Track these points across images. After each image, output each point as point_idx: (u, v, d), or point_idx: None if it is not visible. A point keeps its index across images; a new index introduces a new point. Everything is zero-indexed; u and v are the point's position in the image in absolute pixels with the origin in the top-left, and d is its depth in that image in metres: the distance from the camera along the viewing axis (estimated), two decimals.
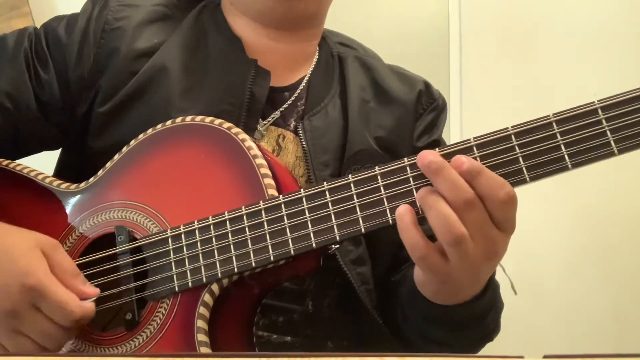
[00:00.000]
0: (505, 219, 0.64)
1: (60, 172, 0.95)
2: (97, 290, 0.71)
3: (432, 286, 0.71)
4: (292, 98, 0.91)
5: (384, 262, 0.89)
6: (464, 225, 0.62)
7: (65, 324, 0.68)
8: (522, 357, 0.42)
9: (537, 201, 1.92)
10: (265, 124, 0.88)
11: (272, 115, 0.89)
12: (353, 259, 0.85)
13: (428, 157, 0.63)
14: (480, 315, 0.76)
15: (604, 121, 0.61)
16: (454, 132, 2.06)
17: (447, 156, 0.64)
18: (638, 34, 2.01)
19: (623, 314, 1.92)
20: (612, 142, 0.61)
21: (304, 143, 0.86)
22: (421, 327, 0.81)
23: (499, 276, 0.78)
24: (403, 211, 0.64)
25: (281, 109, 0.90)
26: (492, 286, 0.75)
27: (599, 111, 0.62)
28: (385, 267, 0.90)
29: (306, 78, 0.94)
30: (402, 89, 0.97)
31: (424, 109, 0.97)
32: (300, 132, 0.87)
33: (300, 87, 0.92)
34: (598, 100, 0.62)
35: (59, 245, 0.72)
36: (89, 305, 0.69)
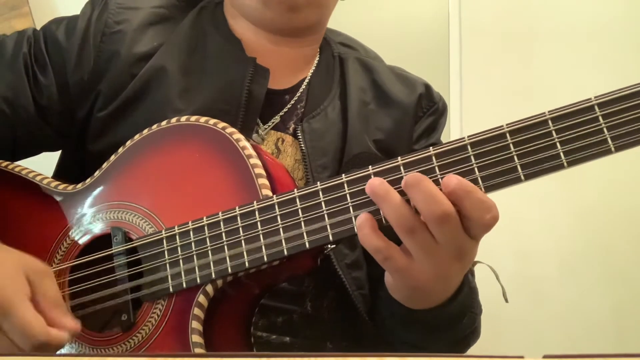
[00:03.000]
0: (481, 233, 0.64)
1: (60, 173, 0.95)
2: (77, 326, 0.66)
3: (403, 291, 0.70)
4: (292, 101, 0.91)
5: (379, 267, 0.88)
6: (437, 236, 0.62)
7: (25, 347, 0.62)
8: (522, 357, 0.42)
9: (537, 201, 1.93)
10: (266, 128, 0.88)
11: (272, 120, 0.89)
12: (349, 263, 0.85)
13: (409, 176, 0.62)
14: (453, 318, 0.76)
15: (600, 118, 0.60)
16: (454, 132, 2.06)
17: (442, 154, 0.64)
18: (638, 34, 2.00)
19: (623, 313, 1.91)
20: (609, 140, 0.60)
21: (302, 145, 0.86)
22: (397, 329, 0.80)
23: (492, 283, 0.78)
24: (362, 222, 0.64)
25: (281, 113, 0.89)
26: (465, 290, 0.74)
27: (596, 108, 0.61)
28: (381, 271, 0.89)
29: (306, 80, 0.93)
30: (403, 91, 0.96)
31: (424, 112, 0.97)
32: (299, 134, 0.87)
33: (301, 90, 0.92)
34: (595, 97, 0.61)
35: (49, 273, 0.68)
36: (56, 332, 0.63)
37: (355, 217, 0.65)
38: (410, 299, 0.71)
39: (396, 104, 0.95)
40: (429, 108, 0.97)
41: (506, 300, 0.76)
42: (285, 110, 0.90)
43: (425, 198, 0.61)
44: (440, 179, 0.63)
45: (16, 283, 0.64)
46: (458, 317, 0.76)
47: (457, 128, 2.07)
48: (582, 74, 2.00)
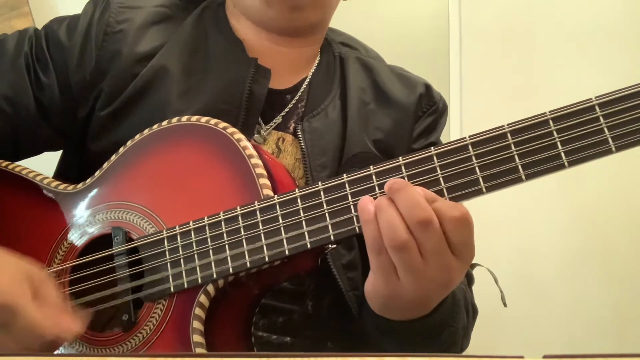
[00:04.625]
0: (460, 242, 0.63)
1: (61, 173, 0.95)
2: (82, 328, 0.66)
3: (380, 299, 0.69)
4: (294, 101, 0.91)
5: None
6: (420, 246, 0.62)
7: (34, 347, 0.63)
8: (522, 357, 0.42)
9: (537, 200, 1.93)
10: (268, 128, 0.88)
11: (274, 120, 0.89)
12: (344, 264, 0.85)
13: (391, 180, 0.64)
14: (429, 333, 0.74)
15: (601, 118, 0.61)
16: (454, 132, 2.06)
17: (443, 154, 0.64)
18: (638, 34, 2.00)
19: (623, 313, 1.91)
20: (609, 140, 0.60)
21: (302, 144, 0.86)
22: (374, 335, 0.79)
23: (492, 283, 0.77)
24: (366, 204, 0.64)
25: (283, 113, 0.89)
26: (446, 306, 0.73)
27: (597, 108, 0.61)
28: None
29: (307, 79, 0.93)
30: (403, 91, 0.96)
31: (424, 111, 0.97)
32: (299, 133, 0.87)
33: (302, 89, 0.92)
34: (595, 97, 0.61)
35: (48, 277, 0.69)
36: (63, 330, 0.64)
37: (357, 216, 0.65)
38: (385, 308, 0.70)
39: (396, 104, 0.95)
40: (429, 108, 0.97)
41: (505, 305, 0.76)
42: (286, 110, 0.90)
43: (410, 202, 0.61)
44: (441, 179, 0.63)
45: (20, 287, 0.64)
46: (436, 331, 0.75)
47: (457, 128, 2.08)
48: (582, 74, 2.00)
